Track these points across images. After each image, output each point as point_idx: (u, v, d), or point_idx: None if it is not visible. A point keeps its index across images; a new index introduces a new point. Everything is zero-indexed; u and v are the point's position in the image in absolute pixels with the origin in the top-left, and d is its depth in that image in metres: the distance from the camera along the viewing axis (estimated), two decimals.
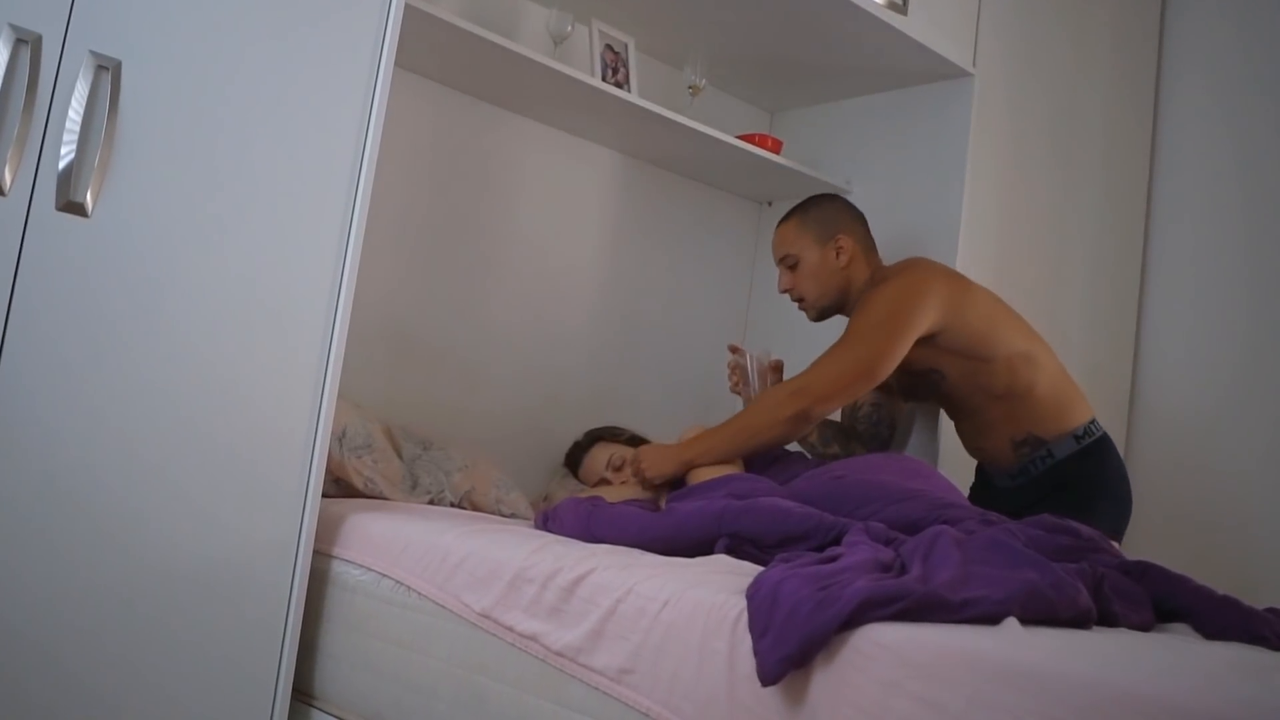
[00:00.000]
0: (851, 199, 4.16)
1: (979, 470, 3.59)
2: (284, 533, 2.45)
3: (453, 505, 3.21)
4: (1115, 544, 3.23)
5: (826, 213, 3.45)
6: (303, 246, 2.45)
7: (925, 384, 3.39)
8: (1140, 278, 4.64)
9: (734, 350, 3.51)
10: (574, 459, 3.70)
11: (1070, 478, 3.31)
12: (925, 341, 3.23)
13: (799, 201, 3.55)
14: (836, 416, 3.75)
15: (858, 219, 3.49)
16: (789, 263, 3.44)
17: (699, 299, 4.42)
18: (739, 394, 3.47)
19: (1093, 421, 3.36)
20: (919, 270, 3.34)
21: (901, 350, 3.16)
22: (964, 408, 3.42)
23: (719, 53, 4.02)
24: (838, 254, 3.40)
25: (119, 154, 2.18)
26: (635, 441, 3.63)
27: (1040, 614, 1.76)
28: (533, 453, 3.84)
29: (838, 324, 3.43)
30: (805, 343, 3.57)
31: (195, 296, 2.30)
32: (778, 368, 3.46)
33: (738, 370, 3.47)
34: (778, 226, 3.51)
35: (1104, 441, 3.37)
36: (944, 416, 3.64)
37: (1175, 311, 4.55)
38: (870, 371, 3.13)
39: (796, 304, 3.50)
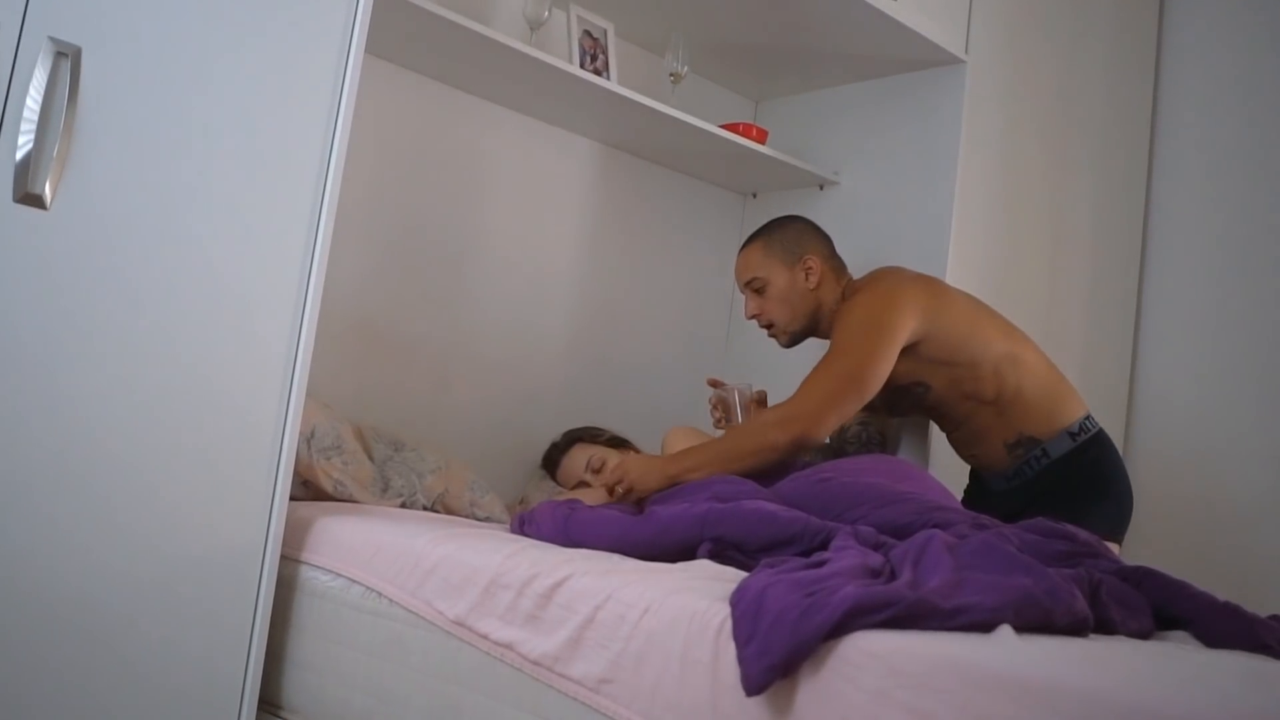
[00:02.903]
0: (839, 190, 4.19)
1: (973, 474, 3.59)
2: (250, 536, 2.44)
3: (425, 508, 3.21)
4: (1117, 544, 3.25)
5: (791, 234, 3.47)
6: (270, 239, 2.45)
7: (910, 398, 3.38)
8: (1139, 271, 4.65)
9: (715, 385, 3.52)
10: (551, 460, 3.70)
11: (1067, 476, 3.31)
12: (908, 352, 3.23)
13: (759, 226, 3.56)
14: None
15: (823, 239, 3.51)
16: (756, 286, 3.45)
17: (681, 294, 4.41)
18: (723, 429, 3.45)
19: (1088, 417, 3.37)
20: (892, 278, 3.36)
21: (888, 359, 3.16)
22: (952, 417, 3.42)
23: (702, 39, 4.01)
24: (806, 275, 3.40)
25: (79, 144, 2.17)
26: (615, 442, 3.63)
27: (1035, 621, 1.76)
28: (508, 454, 3.83)
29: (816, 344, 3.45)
30: (788, 350, 3.58)
31: (158, 291, 2.30)
32: (762, 400, 3.47)
33: (721, 405, 3.47)
34: (741, 251, 3.53)
35: (1100, 437, 3.37)
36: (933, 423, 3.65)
37: (1175, 307, 4.56)
38: (860, 385, 3.12)
39: (766, 330, 3.51)
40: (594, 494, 3.22)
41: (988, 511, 2.67)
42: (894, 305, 3.22)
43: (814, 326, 3.45)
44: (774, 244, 3.44)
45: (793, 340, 3.50)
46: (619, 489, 3.07)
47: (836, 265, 3.48)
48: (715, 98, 4.46)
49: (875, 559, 2.07)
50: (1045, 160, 4.23)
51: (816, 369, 3.17)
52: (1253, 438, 4.28)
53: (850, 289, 3.41)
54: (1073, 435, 3.32)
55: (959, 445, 3.52)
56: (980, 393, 3.31)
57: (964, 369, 3.28)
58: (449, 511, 3.27)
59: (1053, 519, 2.43)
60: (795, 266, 3.40)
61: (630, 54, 4.06)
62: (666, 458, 3.14)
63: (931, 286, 3.36)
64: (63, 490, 2.19)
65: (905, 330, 3.20)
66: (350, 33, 2.54)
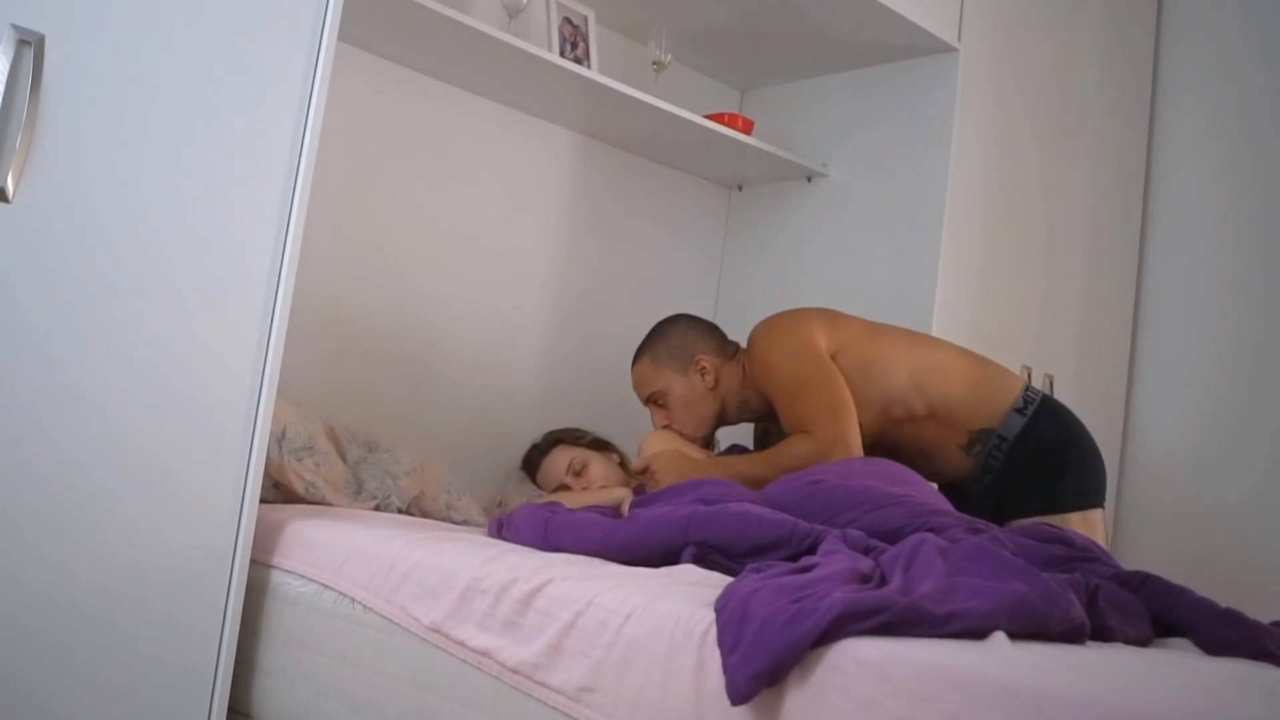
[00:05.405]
0: (828, 182, 4.19)
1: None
2: (219, 540, 2.44)
3: (400, 511, 3.21)
4: (1100, 508, 3.33)
5: (675, 339, 3.50)
6: (239, 234, 2.44)
7: None
8: (1138, 269, 4.66)
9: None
10: (532, 462, 3.68)
11: (1034, 451, 3.31)
12: None
13: (643, 339, 3.57)
14: None
15: (708, 331, 3.56)
16: (657, 400, 3.49)
17: (664, 290, 4.40)
18: None
19: (1028, 388, 3.38)
20: (779, 316, 3.44)
21: (833, 367, 3.24)
22: (899, 445, 3.41)
23: (685, 26, 4.01)
24: (702, 376, 3.44)
25: (42, 135, 2.16)
26: (598, 445, 3.63)
27: (1030, 627, 1.76)
28: (486, 455, 3.82)
29: None
30: None
31: (124, 287, 2.29)
32: None
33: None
34: (633, 369, 3.55)
35: (1047, 405, 3.38)
36: None
37: (1173, 303, 4.57)
38: (845, 398, 3.20)
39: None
40: (575, 497, 3.22)
41: (975, 513, 2.67)
42: (798, 328, 3.32)
43: (723, 420, 3.53)
44: (661, 355, 3.48)
45: (707, 441, 3.57)
46: (646, 479, 3.18)
47: (728, 352, 3.52)
48: (699, 87, 4.45)
49: (865, 563, 2.06)
50: (1040, 151, 4.24)
51: (795, 409, 3.23)
52: (1252, 440, 4.29)
53: (747, 356, 3.46)
54: (1020, 411, 3.31)
55: (920, 470, 3.52)
56: (912, 411, 3.33)
57: (879, 387, 3.31)
58: (424, 514, 3.27)
59: (1044, 521, 2.43)
60: (689, 371, 3.45)
61: (611, 42, 4.06)
62: (700, 462, 3.22)
63: (820, 309, 3.46)
64: (23, 493, 2.18)
65: (820, 343, 3.28)
66: (323, 19, 2.53)
